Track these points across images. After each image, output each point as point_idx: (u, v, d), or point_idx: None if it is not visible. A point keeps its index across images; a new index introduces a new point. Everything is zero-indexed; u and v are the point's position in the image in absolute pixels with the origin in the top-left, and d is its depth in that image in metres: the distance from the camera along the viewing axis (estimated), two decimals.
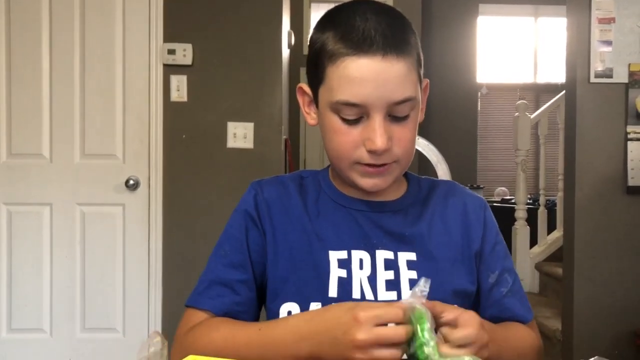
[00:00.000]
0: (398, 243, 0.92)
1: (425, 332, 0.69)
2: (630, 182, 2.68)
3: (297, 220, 0.92)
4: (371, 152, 0.85)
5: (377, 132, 0.83)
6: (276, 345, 0.80)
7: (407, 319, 0.70)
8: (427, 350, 0.68)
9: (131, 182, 2.67)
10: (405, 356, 0.72)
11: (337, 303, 0.80)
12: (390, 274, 0.90)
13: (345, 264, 0.89)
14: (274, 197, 0.95)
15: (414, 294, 0.72)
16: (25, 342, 2.69)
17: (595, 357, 0.71)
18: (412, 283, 0.90)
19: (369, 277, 0.89)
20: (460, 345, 0.71)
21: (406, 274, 0.90)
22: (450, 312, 0.73)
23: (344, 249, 0.90)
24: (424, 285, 0.72)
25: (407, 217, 0.94)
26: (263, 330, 0.83)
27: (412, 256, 0.91)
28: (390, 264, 0.91)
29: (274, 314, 0.91)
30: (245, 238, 0.93)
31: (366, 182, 0.89)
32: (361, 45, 0.82)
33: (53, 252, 2.70)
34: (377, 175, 0.88)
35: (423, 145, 1.33)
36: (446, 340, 0.72)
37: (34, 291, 2.69)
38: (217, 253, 0.94)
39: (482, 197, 1.02)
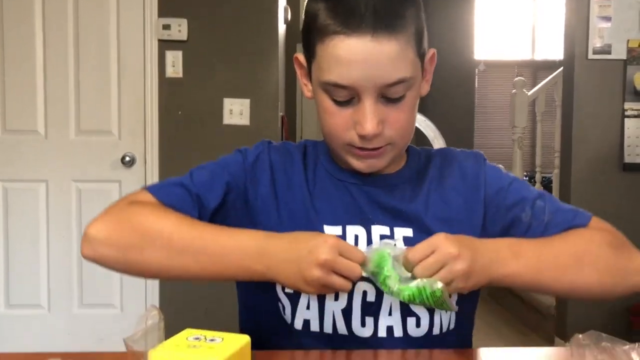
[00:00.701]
0: (394, 219, 0.91)
1: (385, 267, 0.76)
2: (627, 159, 2.68)
3: (298, 190, 0.92)
4: (361, 135, 0.83)
5: (367, 117, 0.82)
6: (231, 253, 0.80)
7: (373, 263, 0.77)
8: (389, 282, 0.76)
9: (127, 158, 2.66)
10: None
11: (308, 231, 0.82)
12: None
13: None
14: (279, 163, 0.94)
15: (383, 243, 0.79)
16: (23, 317, 2.71)
17: (590, 330, 0.71)
18: None
19: None
20: (422, 268, 0.76)
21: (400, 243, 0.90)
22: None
23: (339, 224, 0.90)
24: (392, 242, 0.81)
25: (404, 193, 0.93)
26: (223, 233, 0.82)
27: (408, 232, 0.91)
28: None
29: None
30: (233, 180, 0.91)
31: (359, 165, 0.88)
32: (349, 24, 0.79)
33: (50, 229, 2.70)
34: (369, 157, 0.87)
35: (420, 121, 1.32)
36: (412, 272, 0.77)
37: (31, 268, 2.70)
38: (201, 170, 0.93)
39: (477, 152, 0.99)
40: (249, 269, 0.79)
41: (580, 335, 0.70)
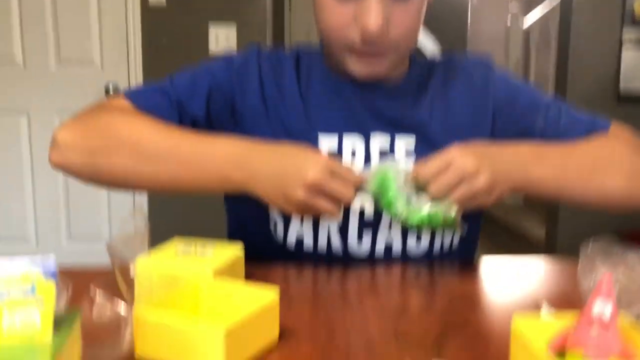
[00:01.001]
0: (395, 127, 0.86)
1: (390, 189, 0.70)
2: (623, 90, 2.64)
3: (290, 99, 0.86)
4: (364, 34, 0.76)
5: (372, 12, 0.75)
6: (207, 159, 0.74)
7: (375, 184, 0.71)
8: (395, 206, 0.70)
9: (111, 87, 2.57)
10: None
11: (298, 145, 0.75)
12: None
13: (335, 151, 0.84)
14: (269, 71, 0.88)
15: (386, 162, 0.73)
16: (11, 251, 2.68)
17: (600, 238, 0.68)
18: None
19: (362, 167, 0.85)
20: (437, 186, 0.70)
21: (404, 162, 0.86)
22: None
23: (335, 133, 0.85)
24: (395, 161, 0.74)
25: (406, 101, 0.88)
26: (200, 138, 0.76)
27: (410, 142, 0.86)
28: (386, 152, 0.86)
29: None
30: (218, 87, 0.85)
31: (359, 69, 0.82)
32: None
33: (34, 162, 2.64)
34: (370, 61, 0.81)
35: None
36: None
37: (17, 202, 2.65)
38: (182, 75, 0.87)
39: (484, 58, 0.94)
40: (226, 179, 0.73)
41: (591, 243, 0.67)
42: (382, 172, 0.71)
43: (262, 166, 0.72)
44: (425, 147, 0.85)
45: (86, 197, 2.65)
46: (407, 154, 0.85)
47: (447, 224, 0.70)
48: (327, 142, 0.84)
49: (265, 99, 0.86)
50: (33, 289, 0.34)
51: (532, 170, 0.76)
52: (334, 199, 0.69)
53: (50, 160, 0.79)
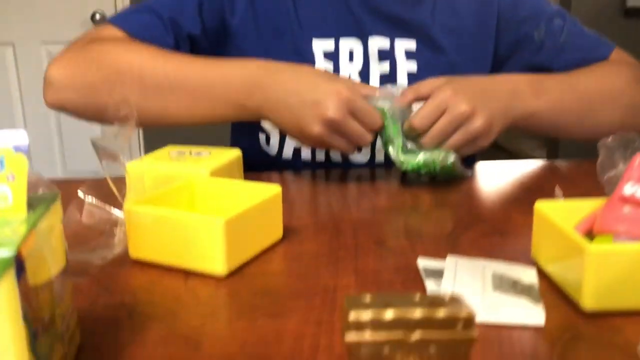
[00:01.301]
0: (395, 28, 0.81)
1: (386, 129, 0.67)
2: (629, 3, 2.54)
3: (279, 1, 0.80)
4: None
5: None
6: (218, 86, 0.68)
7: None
8: (391, 148, 0.67)
9: (97, 16, 2.47)
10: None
11: (316, 69, 0.70)
12: (385, 66, 0.81)
13: (331, 56, 0.79)
14: None
15: (384, 89, 0.68)
16: None
17: (619, 133, 0.64)
18: (411, 77, 0.81)
19: (360, 72, 0.80)
20: (433, 137, 0.66)
21: (404, 66, 0.81)
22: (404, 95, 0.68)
23: (331, 37, 0.79)
24: (394, 88, 0.70)
25: None
26: (207, 64, 0.70)
27: (411, 44, 0.81)
28: (386, 54, 0.81)
29: None
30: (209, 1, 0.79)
31: None
32: None
33: (23, 96, 2.56)
34: None
35: None
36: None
37: None
38: None
39: None
40: (241, 106, 0.68)
41: (610, 138, 0.64)
42: (383, 110, 0.67)
43: (277, 93, 0.66)
44: (426, 50, 0.80)
45: (80, 129, 2.59)
46: (408, 56, 0.80)
47: (446, 169, 0.67)
48: (321, 47, 0.79)
49: (253, 2, 0.80)
50: (2, 163, 0.30)
51: (529, 104, 0.71)
52: (351, 139, 0.66)
53: (45, 100, 0.74)
